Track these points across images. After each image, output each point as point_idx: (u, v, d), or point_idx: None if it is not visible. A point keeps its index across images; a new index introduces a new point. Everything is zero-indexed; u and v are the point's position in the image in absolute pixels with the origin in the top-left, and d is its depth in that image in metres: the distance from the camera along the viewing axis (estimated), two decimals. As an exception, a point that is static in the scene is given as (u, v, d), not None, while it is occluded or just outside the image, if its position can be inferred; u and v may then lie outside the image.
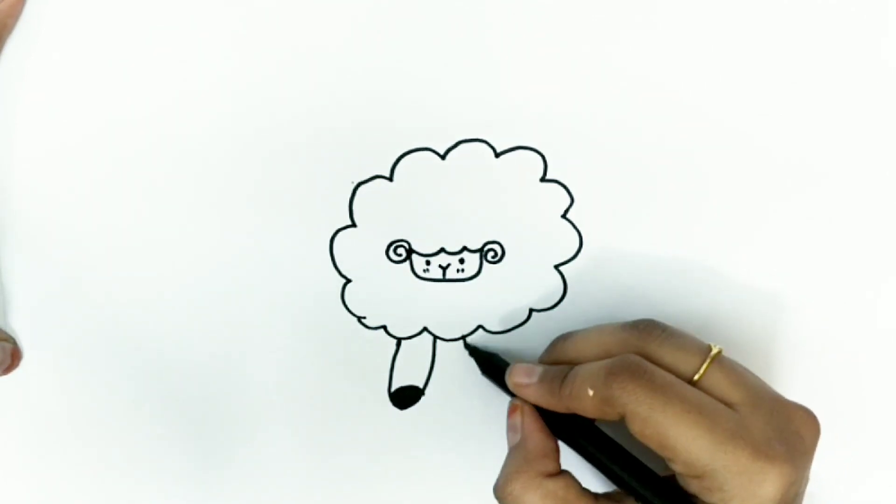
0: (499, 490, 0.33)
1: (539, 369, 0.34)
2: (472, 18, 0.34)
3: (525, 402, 0.34)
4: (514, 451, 0.34)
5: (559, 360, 0.35)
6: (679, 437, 0.30)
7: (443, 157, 0.36)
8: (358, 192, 0.36)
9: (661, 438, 0.30)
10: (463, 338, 0.38)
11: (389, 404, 0.38)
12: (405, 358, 0.38)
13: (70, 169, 0.36)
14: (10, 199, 0.36)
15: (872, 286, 0.37)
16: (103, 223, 0.36)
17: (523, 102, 0.35)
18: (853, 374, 0.38)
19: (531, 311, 0.38)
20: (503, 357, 0.37)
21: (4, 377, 0.37)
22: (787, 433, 0.31)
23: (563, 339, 0.35)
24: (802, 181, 0.36)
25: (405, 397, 0.38)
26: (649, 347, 0.32)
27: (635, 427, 0.30)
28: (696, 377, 0.31)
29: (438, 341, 0.38)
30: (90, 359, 0.38)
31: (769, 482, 0.29)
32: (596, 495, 0.33)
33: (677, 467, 0.31)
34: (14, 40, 0.34)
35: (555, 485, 0.32)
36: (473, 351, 0.37)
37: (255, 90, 0.35)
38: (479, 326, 0.38)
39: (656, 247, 0.37)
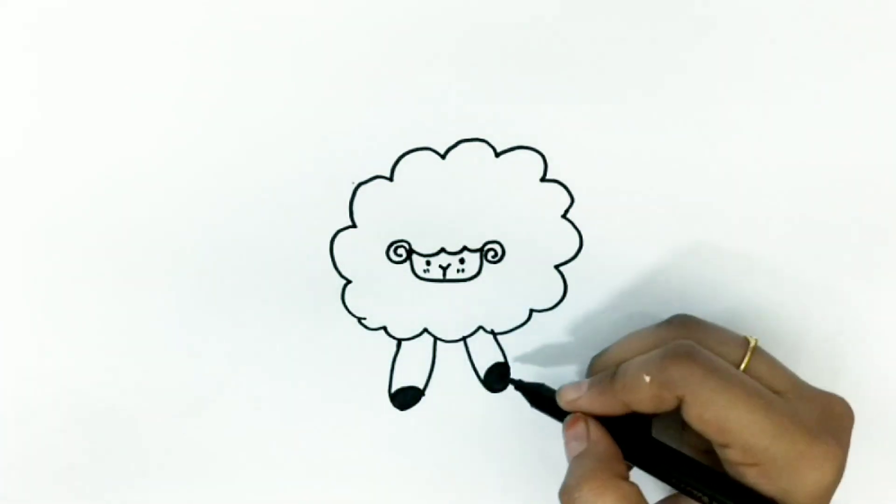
0: (571, 492, 0.31)
1: (587, 381, 0.34)
2: (472, 18, 0.34)
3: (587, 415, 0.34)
4: (581, 457, 0.33)
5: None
6: (740, 420, 0.29)
7: (443, 156, 0.36)
8: (358, 192, 0.36)
9: (720, 422, 0.30)
10: (464, 338, 0.38)
11: (390, 405, 0.38)
12: (405, 359, 0.38)
13: (69, 168, 0.35)
14: (9, 199, 0.36)
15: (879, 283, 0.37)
16: (103, 223, 0.36)
17: (523, 102, 0.35)
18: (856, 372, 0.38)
19: (531, 311, 0.38)
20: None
21: (4, 376, 0.37)
22: (830, 419, 0.31)
23: (599, 355, 0.36)
24: (805, 181, 0.36)
25: (405, 398, 0.38)
26: (691, 339, 0.32)
27: (693, 411, 0.30)
28: (741, 368, 0.32)
29: (439, 342, 0.38)
30: (89, 359, 0.37)
31: (826, 467, 0.29)
32: None
33: (734, 454, 0.30)
34: (14, 40, 0.34)
35: (630, 488, 0.31)
36: (520, 385, 0.37)
37: (255, 90, 0.35)
38: (480, 327, 0.38)
39: (656, 246, 0.37)
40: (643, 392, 0.31)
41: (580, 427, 0.33)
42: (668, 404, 0.31)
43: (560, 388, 0.35)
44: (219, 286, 0.37)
